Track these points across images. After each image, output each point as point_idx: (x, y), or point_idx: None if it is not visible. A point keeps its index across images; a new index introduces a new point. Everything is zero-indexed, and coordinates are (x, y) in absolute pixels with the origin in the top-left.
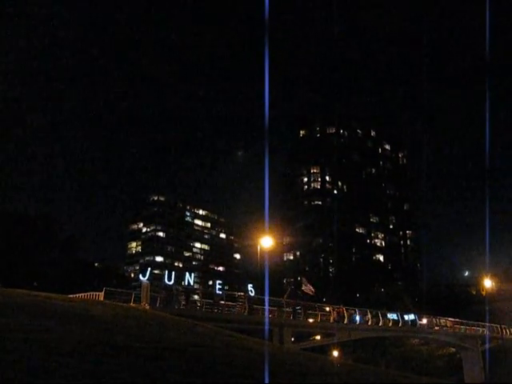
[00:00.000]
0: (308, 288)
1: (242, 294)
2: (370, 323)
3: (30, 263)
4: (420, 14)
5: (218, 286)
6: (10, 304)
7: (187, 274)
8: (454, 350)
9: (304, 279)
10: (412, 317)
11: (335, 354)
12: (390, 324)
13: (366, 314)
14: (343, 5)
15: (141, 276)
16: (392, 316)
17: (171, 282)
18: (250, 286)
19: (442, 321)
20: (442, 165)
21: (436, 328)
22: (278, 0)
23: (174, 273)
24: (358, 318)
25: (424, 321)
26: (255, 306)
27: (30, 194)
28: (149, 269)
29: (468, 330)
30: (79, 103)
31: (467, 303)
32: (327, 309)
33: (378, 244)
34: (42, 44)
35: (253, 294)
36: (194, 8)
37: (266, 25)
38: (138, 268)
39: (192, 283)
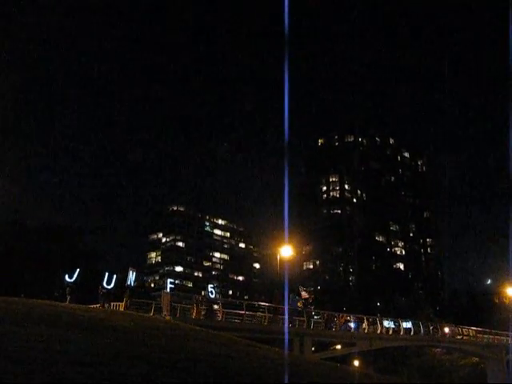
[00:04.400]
0: (305, 293)
1: (198, 295)
2: (359, 331)
3: (51, 274)
4: (441, 20)
5: (209, 289)
6: (31, 314)
7: (130, 271)
8: (477, 359)
9: (301, 287)
10: (409, 325)
11: (356, 363)
12: (384, 331)
13: (363, 322)
14: (365, 13)
15: (67, 277)
16: (389, 324)
17: (110, 286)
18: (210, 287)
19: (464, 330)
20: (463, 171)
21: (458, 337)
22: (299, 8)
23: (115, 276)
24: (352, 325)
25: (446, 330)
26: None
27: (51, 206)
28: (77, 270)
29: (491, 340)
30: (98, 115)
31: (490, 312)
32: (348, 318)
33: (398, 252)
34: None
35: (213, 296)
36: (214, 22)
37: (286, 34)
38: (158, 278)
39: (133, 284)
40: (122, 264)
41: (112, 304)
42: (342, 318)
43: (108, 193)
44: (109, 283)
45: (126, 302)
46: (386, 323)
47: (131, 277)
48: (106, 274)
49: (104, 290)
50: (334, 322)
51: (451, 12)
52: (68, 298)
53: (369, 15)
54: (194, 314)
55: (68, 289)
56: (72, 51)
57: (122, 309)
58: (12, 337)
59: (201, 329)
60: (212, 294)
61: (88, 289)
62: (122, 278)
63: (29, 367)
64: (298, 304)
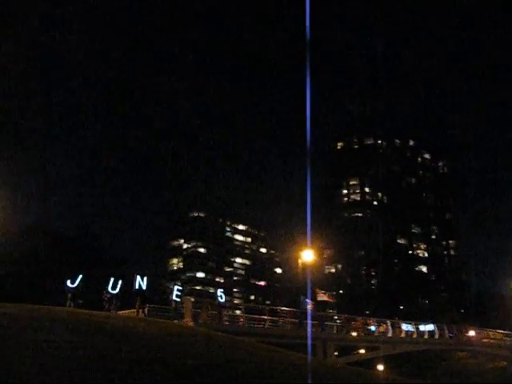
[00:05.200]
0: (323, 296)
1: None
2: (376, 333)
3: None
4: (454, 20)
5: (219, 294)
6: (55, 321)
7: (138, 277)
8: (504, 363)
9: (317, 289)
10: (431, 327)
11: (380, 368)
12: (403, 335)
13: (381, 325)
14: (384, 18)
15: (68, 283)
16: (407, 327)
17: (116, 291)
18: (219, 291)
19: (490, 333)
20: (485, 171)
21: (484, 340)
22: (321, 14)
23: (120, 281)
24: (373, 328)
25: (471, 333)
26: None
27: (72, 211)
28: (80, 276)
29: None
30: (119, 122)
31: None
32: (369, 321)
33: (421, 255)
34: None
35: (223, 300)
36: (236, 26)
37: (308, 38)
38: (180, 284)
39: (144, 287)
40: (143, 270)
41: (134, 311)
42: (359, 321)
43: (129, 200)
44: (114, 288)
45: (138, 308)
46: (404, 326)
47: (140, 283)
48: (112, 278)
49: (108, 295)
50: (351, 326)
51: (474, 9)
52: (68, 303)
53: (390, 16)
54: (201, 318)
55: (69, 294)
56: (78, 49)
57: (137, 315)
58: (34, 344)
59: (222, 334)
60: (222, 298)
61: (97, 294)
62: (132, 284)
63: (53, 372)
64: (309, 306)
